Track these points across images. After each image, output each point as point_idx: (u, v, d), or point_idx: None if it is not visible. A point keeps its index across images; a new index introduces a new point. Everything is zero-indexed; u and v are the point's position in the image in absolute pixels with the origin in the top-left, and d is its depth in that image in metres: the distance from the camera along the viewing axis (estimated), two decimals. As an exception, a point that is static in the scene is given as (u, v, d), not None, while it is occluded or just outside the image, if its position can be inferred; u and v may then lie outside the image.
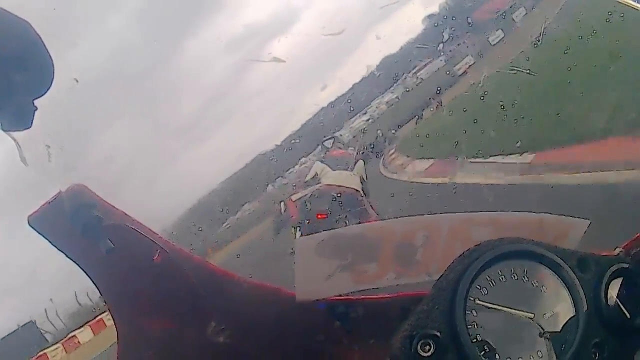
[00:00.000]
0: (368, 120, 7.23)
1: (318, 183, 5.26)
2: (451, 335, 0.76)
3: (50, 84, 0.75)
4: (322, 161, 5.71)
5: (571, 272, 0.81)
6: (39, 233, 0.91)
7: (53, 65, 0.75)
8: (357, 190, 5.04)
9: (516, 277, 0.81)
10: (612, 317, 0.80)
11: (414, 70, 7.10)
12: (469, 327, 0.76)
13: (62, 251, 0.94)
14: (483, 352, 0.75)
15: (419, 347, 0.76)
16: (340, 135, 6.31)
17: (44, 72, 0.74)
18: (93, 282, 0.98)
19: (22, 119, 0.74)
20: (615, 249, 0.88)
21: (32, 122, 0.75)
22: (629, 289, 0.83)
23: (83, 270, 0.97)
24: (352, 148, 5.96)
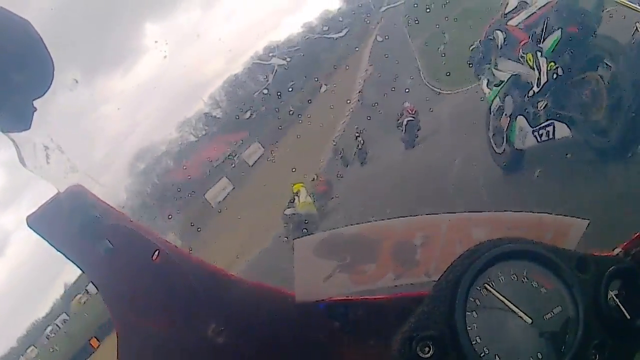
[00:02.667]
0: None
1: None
2: (451, 336, 0.75)
3: (50, 85, 0.74)
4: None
5: (571, 273, 0.81)
6: (37, 233, 0.91)
7: (53, 65, 0.74)
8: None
9: (516, 278, 0.81)
10: (612, 317, 0.80)
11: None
12: (469, 328, 0.76)
13: (60, 251, 0.94)
14: (483, 353, 0.75)
15: (418, 348, 0.75)
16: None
17: (44, 73, 0.74)
18: (93, 282, 0.98)
19: (21, 120, 0.73)
20: (614, 249, 0.88)
21: (31, 124, 0.74)
22: (629, 289, 0.83)
23: (82, 270, 0.97)
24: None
